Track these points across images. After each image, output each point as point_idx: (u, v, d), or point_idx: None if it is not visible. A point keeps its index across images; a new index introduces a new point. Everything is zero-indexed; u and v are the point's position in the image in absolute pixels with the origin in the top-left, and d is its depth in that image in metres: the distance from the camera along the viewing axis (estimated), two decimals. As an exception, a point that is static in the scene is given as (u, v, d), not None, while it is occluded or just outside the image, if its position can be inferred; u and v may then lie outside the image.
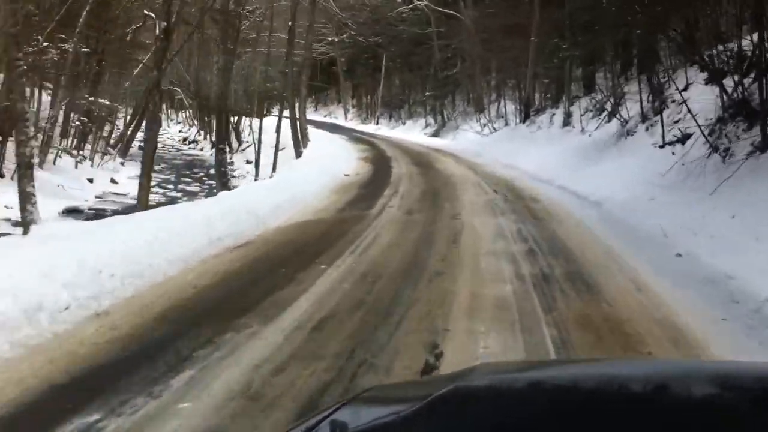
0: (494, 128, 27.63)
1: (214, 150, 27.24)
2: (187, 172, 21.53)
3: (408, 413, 1.07)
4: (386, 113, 47.38)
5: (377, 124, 45.90)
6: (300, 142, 21.06)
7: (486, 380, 1.28)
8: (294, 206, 9.87)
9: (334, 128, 39.18)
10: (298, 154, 19.73)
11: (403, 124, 41.92)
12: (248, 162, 24.31)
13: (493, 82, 31.16)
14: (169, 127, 43.02)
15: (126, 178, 16.89)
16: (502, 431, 1.00)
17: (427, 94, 35.62)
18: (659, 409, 0.98)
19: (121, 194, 15.28)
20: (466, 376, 1.30)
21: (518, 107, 25.65)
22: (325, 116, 62.99)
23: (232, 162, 23.64)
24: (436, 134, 34.48)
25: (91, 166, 17.05)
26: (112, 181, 15.91)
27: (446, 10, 33.41)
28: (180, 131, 42.92)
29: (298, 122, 22.02)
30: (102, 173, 16.41)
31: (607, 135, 14.05)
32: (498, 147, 20.32)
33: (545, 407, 1.04)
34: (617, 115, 14.84)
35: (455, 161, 17.95)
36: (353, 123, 51.10)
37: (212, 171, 20.80)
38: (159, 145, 30.33)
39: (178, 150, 29.25)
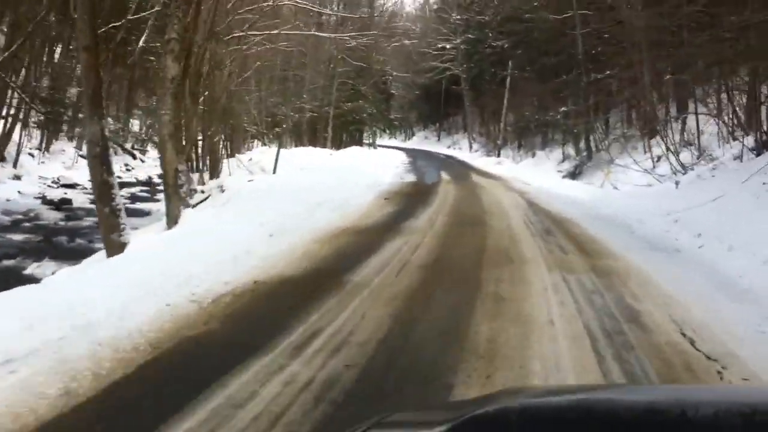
0: (681, 166, 14.34)
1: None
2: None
3: None
4: (515, 142, 34.41)
5: (498, 156, 33.09)
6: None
7: (516, 403, 1.22)
8: None
9: (432, 162, 27.09)
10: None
11: (533, 156, 28.86)
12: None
13: (669, 82, 17.77)
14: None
15: None
16: None
17: (562, 110, 22.38)
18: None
19: None
20: (493, 400, 1.27)
21: (739, 124, 12.31)
22: (448, 147, 51.22)
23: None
24: (575, 174, 21.27)
25: None
26: None
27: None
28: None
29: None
30: None
31: None
32: (721, 224, 7.20)
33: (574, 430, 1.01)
34: None
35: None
36: (475, 155, 38.65)
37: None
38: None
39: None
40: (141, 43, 19.30)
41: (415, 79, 56.62)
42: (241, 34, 15.36)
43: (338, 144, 33.96)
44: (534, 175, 21.57)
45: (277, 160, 14.96)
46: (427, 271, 5.94)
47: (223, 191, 11.83)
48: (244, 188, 11.13)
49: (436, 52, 47.74)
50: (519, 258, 6.67)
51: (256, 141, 29.32)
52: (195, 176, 15.04)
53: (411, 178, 17.36)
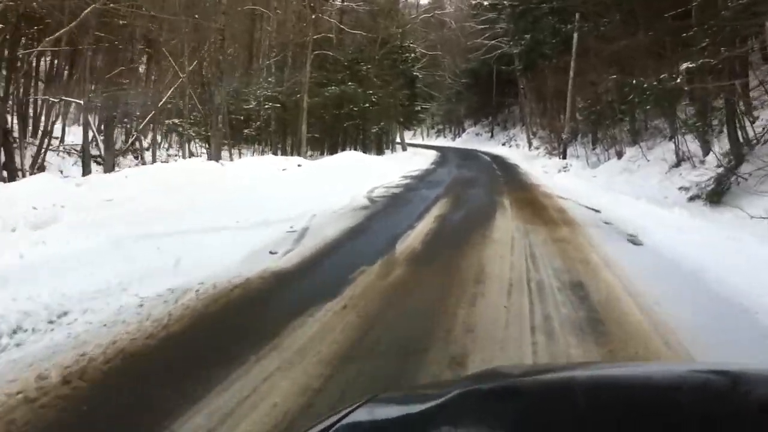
0: None
1: None
2: None
3: (427, 410, 1.04)
4: (587, 135, 23.25)
5: (564, 158, 22.03)
6: None
7: (505, 381, 1.25)
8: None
9: (459, 174, 16.56)
10: None
11: (618, 156, 17.72)
12: None
13: None
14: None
15: None
16: (523, 428, 0.98)
17: (684, 66, 11.17)
18: (674, 412, 0.95)
19: None
20: (484, 377, 1.28)
21: None
22: (503, 144, 40.42)
23: None
24: (718, 193, 10.18)
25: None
26: None
27: None
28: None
29: None
30: None
31: None
32: None
33: (564, 407, 1.01)
34: None
35: None
36: (534, 155, 27.99)
37: None
38: None
39: None
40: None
41: (459, 65, 45.81)
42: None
43: (333, 147, 23.63)
44: (629, 197, 10.64)
45: None
46: None
47: None
48: None
49: (481, 27, 36.85)
50: None
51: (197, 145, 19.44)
52: None
53: (325, 241, 6.81)
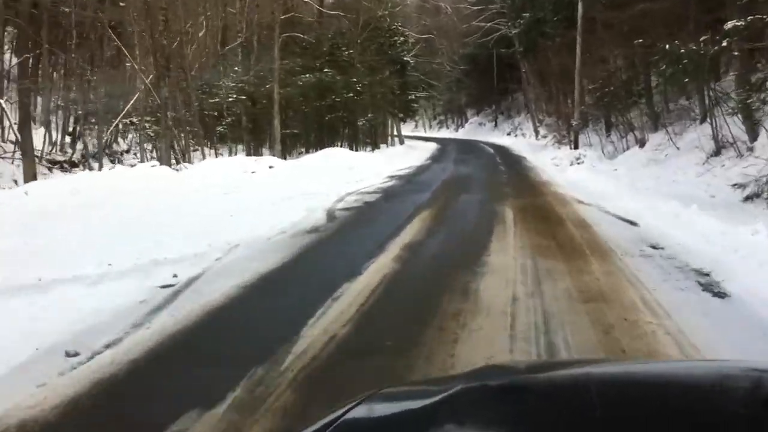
0: None
1: None
2: None
3: (429, 406, 1.00)
4: (599, 121, 20.62)
5: (575, 147, 19.33)
6: None
7: (513, 378, 1.20)
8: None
9: (444, 183, 14.12)
10: None
11: (639, 144, 15.07)
12: None
13: None
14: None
15: None
16: (523, 426, 0.94)
17: (731, 25, 8.50)
18: (674, 410, 0.90)
19: None
20: (481, 374, 1.24)
21: None
22: (507, 134, 37.92)
23: None
24: None
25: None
26: None
27: None
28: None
29: None
30: None
31: None
32: None
33: (562, 405, 0.97)
34: None
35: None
36: (541, 145, 25.58)
37: None
38: None
39: None
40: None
41: (457, 51, 42.99)
42: None
43: (319, 143, 21.03)
44: (668, 199, 7.92)
45: None
46: None
47: None
48: None
49: (477, 7, 34.13)
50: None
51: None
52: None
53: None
